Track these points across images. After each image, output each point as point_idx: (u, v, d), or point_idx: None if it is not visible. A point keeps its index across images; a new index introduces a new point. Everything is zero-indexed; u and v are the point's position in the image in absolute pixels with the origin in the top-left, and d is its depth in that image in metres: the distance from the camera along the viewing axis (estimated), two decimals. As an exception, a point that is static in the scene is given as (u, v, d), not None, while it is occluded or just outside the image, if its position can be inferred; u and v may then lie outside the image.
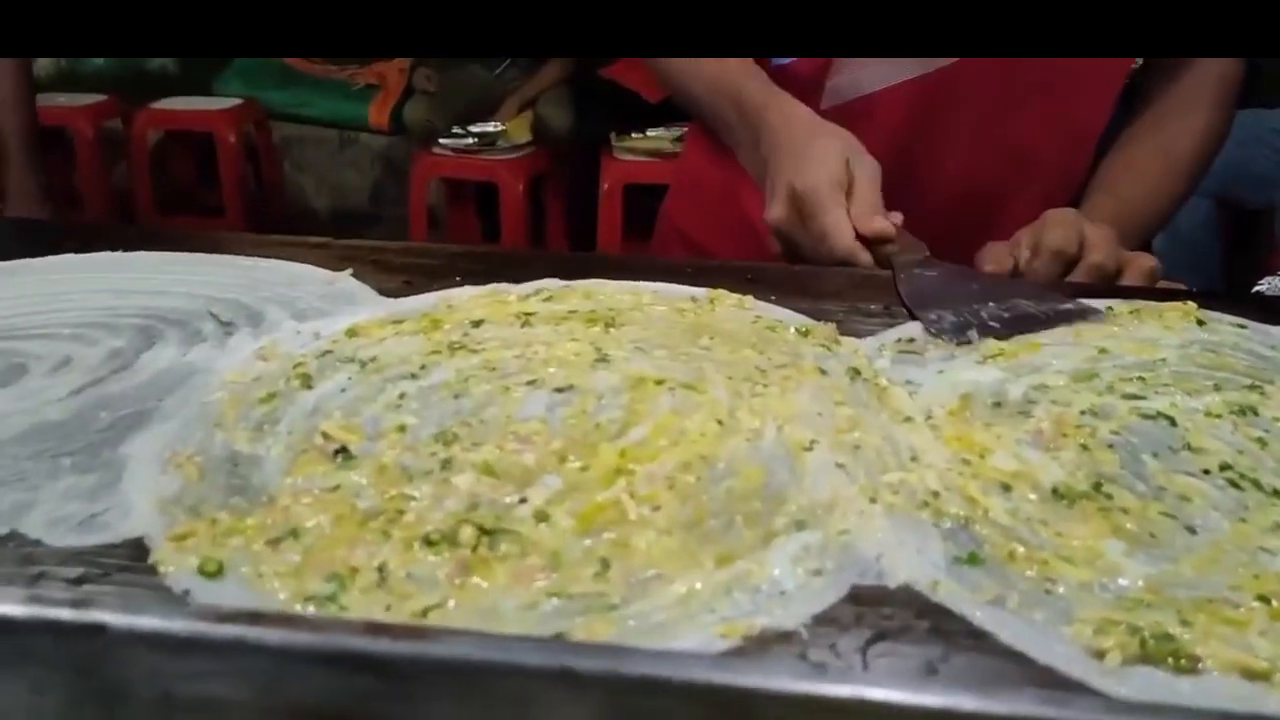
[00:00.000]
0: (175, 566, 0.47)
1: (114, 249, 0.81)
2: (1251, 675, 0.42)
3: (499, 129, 3.54)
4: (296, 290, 0.75)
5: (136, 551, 0.48)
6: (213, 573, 0.46)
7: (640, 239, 1.39)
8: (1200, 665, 0.43)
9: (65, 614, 0.32)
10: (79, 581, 0.46)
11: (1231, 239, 3.20)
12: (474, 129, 3.52)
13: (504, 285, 0.77)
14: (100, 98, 3.87)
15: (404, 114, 3.85)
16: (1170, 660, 0.43)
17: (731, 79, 0.98)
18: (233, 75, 4.13)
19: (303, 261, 0.81)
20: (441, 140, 3.51)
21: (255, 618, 0.32)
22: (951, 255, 0.91)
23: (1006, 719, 0.30)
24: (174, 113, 3.85)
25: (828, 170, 0.85)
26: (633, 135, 3.40)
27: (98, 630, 0.32)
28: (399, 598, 0.46)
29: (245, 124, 3.85)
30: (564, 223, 3.71)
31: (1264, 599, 0.46)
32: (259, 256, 0.80)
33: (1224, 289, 3.10)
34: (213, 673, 0.32)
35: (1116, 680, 0.42)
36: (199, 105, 3.88)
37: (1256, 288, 0.98)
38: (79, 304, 0.72)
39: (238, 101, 3.90)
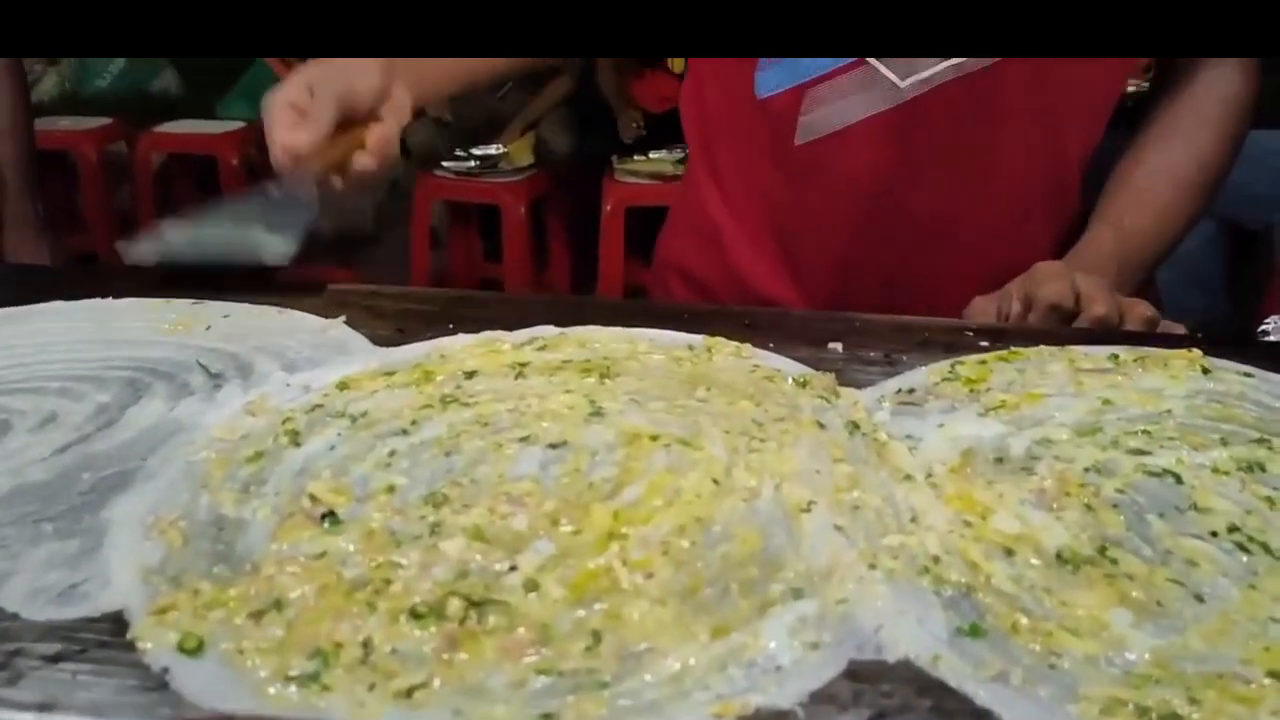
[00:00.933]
0: (154, 643, 0.45)
1: (104, 295, 0.80)
2: (1262, 759, 0.41)
3: (501, 151, 3.54)
4: (288, 339, 0.74)
5: (116, 626, 0.47)
6: (193, 649, 0.45)
7: (642, 261, 1.39)
8: (1210, 749, 0.41)
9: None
10: (55, 659, 0.44)
11: (1233, 260, 3.19)
12: (476, 151, 3.52)
13: (498, 334, 0.75)
14: (104, 121, 3.88)
15: (407, 136, 3.85)
16: (1180, 744, 0.41)
17: None
18: (236, 98, 4.14)
19: (295, 307, 0.80)
20: (444, 163, 3.51)
21: (226, 723, 0.30)
22: (934, 290, 0.90)
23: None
24: (177, 136, 3.85)
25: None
26: (634, 157, 3.40)
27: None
28: (384, 676, 0.44)
29: (248, 146, 3.84)
30: (566, 245, 3.70)
31: (1275, 675, 0.45)
32: (251, 303, 0.79)
33: (1228, 310, 3.08)
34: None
35: (1123, 765, 0.41)
36: (202, 128, 3.89)
37: (1262, 327, 0.97)
38: (67, 355, 0.71)
39: (240, 124, 3.90)
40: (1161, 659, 0.46)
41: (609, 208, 3.34)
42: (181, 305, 0.79)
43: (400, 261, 3.67)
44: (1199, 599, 0.50)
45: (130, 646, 0.45)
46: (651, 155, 3.38)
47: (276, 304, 0.80)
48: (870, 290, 0.96)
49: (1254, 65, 0.96)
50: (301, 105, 0.87)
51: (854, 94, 0.94)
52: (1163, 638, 0.48)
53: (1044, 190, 0.98)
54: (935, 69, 0.92)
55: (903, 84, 0.93)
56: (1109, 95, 0.97)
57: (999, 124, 0.94)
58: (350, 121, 0.88)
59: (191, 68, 4.50)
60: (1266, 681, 0.45)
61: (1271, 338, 0.96)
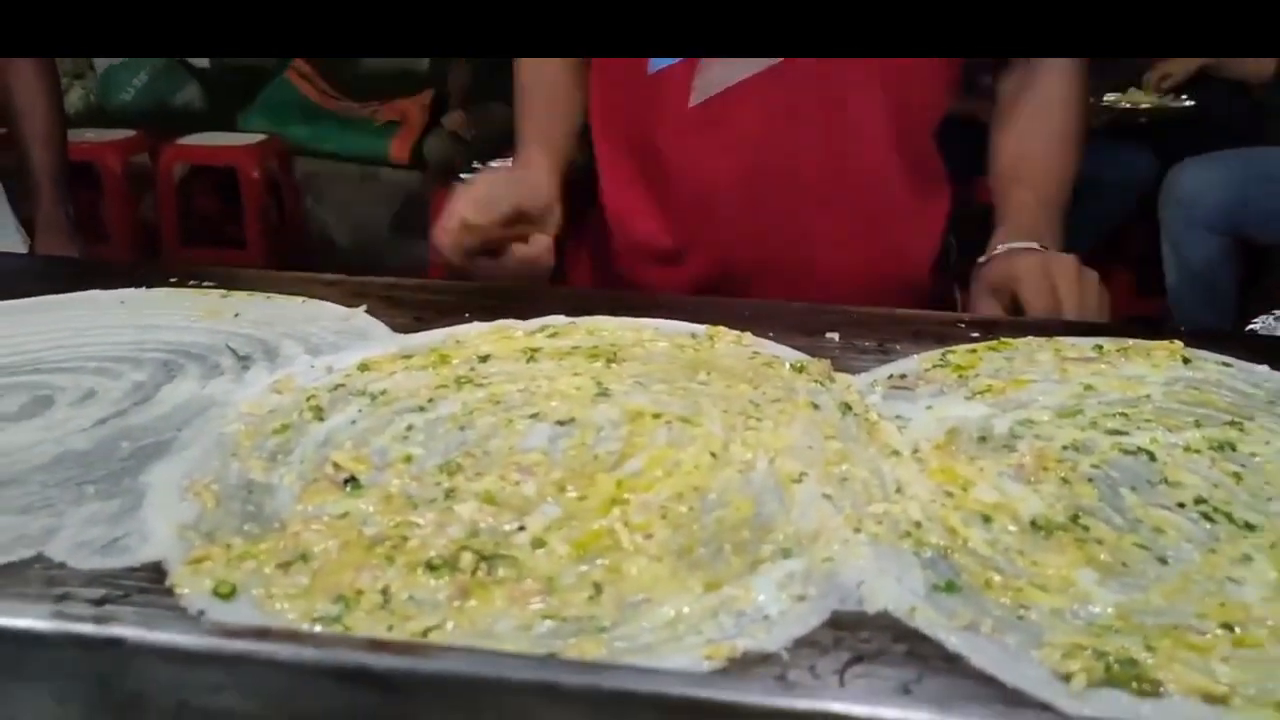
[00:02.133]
0: (191, 588, 0.49)
1: (137, 286, 0.84)
2: (1211, 699, 0.44)
3: (518, 164, 3.58)
4: (312, 326, 0.78)
5: (155, 574, 0.51)
6: (226, 594, 0.49)
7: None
8: (1162, 689, 0.45)
9: (87, 629, 0.35)
10: (101, 602, 0.48)
11: (1245, 275, 3.21)
12: (494, 164, 3.57)
13: (511, 321, 0.79)
14: (128, 133, 3.95)
15: (425, 149, 3.92)
16: (1134, 684, 0.45)
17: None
18: (257, 111, 4.21)
19: (319, 298, 0.84)
20: (462, 175, 3.56)
21: (263, 634, 0.34)
22: (807, 239, 1.03)
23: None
24: (199, 148, 3.92)
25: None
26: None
27: (116, 644, 0.34)
28: (401, 619, 0.48)
29: (268, 159, 3.92)
30: (588, 252, 3.74)
31: (1228, 626, 0.48)
32: (278, 293, 0.83)
33: (1240, 324, 3.10)
34: (224, 685, 0.35)
35: (1081, 702, 0.44)
36: (223, 141, 3.96)
37: (1250, 326, 1.00)
38: (103, 339, 0.75)
39: (261, 137, 3.97)
40: (1123, 612, 0.50)
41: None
42: (212, 295, 0.84)
43: (418, 272, 3.73)
44: (1162, 561, 0.54)
45: (169, 592, 0.49)
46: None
47: (302, 295, 0.84)
48: (750, 239, 1.05)
49: (1082, 67, 1.10)
50: (482, 196, 1.00)
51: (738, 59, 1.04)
52: (1126, 594, 0.51)
53: (900, 151, 1.05)
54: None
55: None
56: (948, 68, 1.06)
57: (854, 88, 1.02)
58: (516, 219, 1.01)
59: (214, 81, 4.59)
60: (1219, 632, 0.48)
61: (1260, 331, 0.99)
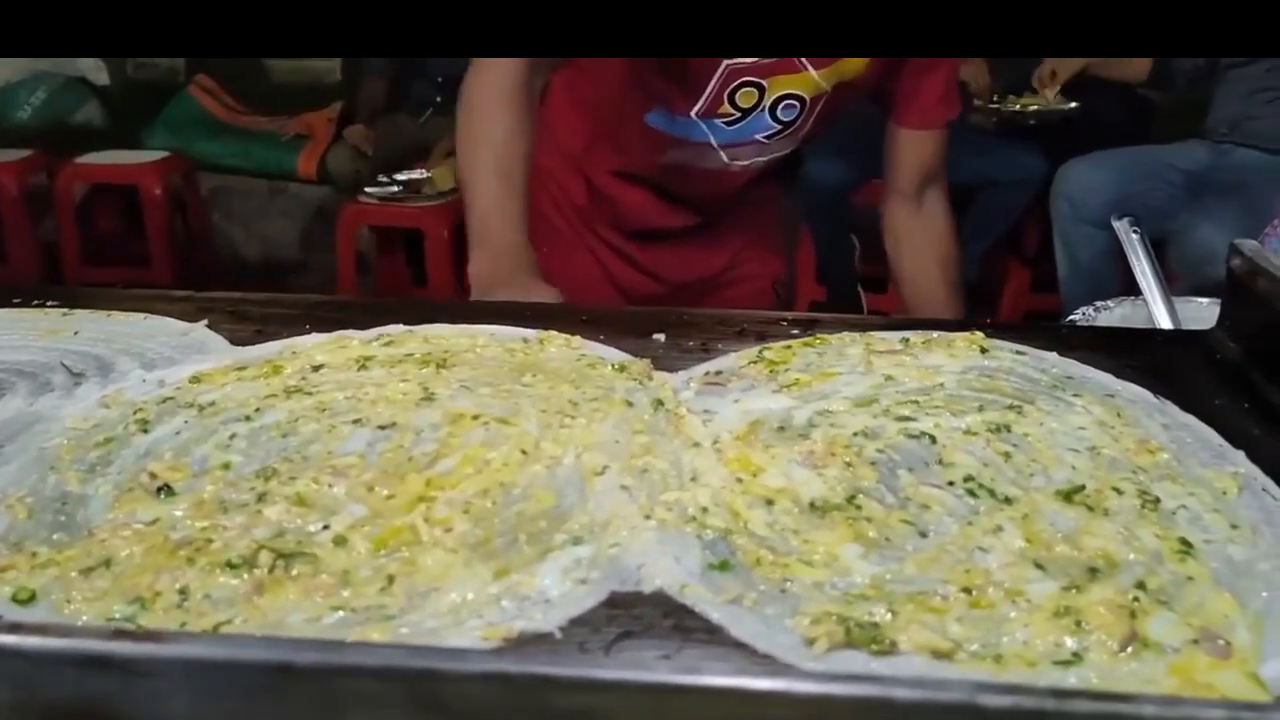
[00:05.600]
0: (-9, 596, 0.51)
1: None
2: (939, 654, 0.48)
3: (425, 176, 3.59)
4: (150, 341, 0.80)
5: (-41, 584, 0.52)
6: (25, 600, 0.51)
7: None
8: (898, 648, 0.49)
9: None
10: (-101, 612, 0.50)
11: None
12: (399, 176, 3.58)
13: (349, 332, 0.82)
14: (25, 153, 3.88)
15: (329, 163, 3.91)
16: (872, 645, 0.49)
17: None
18: (160, 127, 4.16)
19: (164, 314, 0.85)
20: (367, 189, 3.56)
21: (14, 627, 0.37)
22: None
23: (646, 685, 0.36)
24: (99, 167, 3.86)
25: None
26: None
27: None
28: (195, 616, 0.50)
29: (171, 176, 3.87)
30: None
31: (967, 590, 0.53)
32: (120, 310, 0.85)
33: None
34: (-21, 678, 0.37)
35: (823, 664, 0.48)
36: (124, 159, 3.90)
37: (1070, 317, 1.06)
38: (-62, 360, 0.76)
39: (163, 154, 3.92)
40: (877, 582, 0.54)
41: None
42: (54, 314, 0.85)
43: (328, 287, 3.71)
44: (923, 534, 0.58)
45: (-36, 601, 0.51)
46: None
47: (144, 311, 0.85)
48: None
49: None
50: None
51: (699, 157, 1.25)
52: (883, 565, 0.55)
53: None
54: (751, 161, 1.27)
55: (732, 166, 1.27)
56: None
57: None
58: None
59: (115, 98, 4.51)
60: (959, 595, 0.52)
61: (1079, 323, 1.05)
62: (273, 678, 0.37)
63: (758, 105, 1.20)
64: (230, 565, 0.53)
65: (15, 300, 0.87)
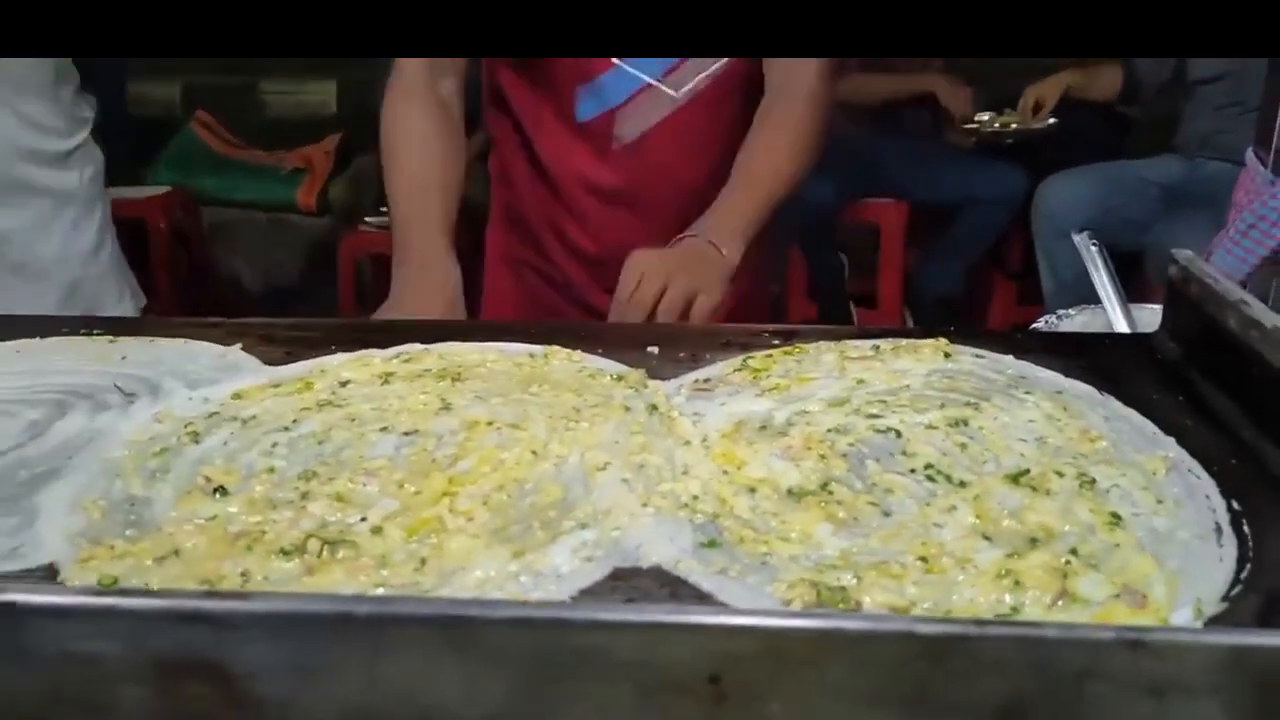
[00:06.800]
0: (79, 581, 0.59)
1: (31, 337, 0.93)
2: (897, 610, 0.56)
3: (422, 205, 3.67)
4: (191, 364, 0.88)
5: (49, 574, 0.61)
6: (109, 584, 0.59)
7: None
8: (862, 607, 0.57)
9: (-13, 597, 0.45)
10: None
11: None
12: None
13: (371, 351, 0.90)
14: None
15: (330, 195, 4.01)
16: (839, 604, 0.57)
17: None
18: (163, 164, 4.25)
19: (201, 339, 0.94)
20: (366, 219, 3.66)
21: (124, 591, 0.45)
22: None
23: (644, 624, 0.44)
24: (104, 202, 3.94)
25: None
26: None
27: (8, 607, 0.45)
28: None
29: (174, 210, 3.96)
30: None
31: (923, 559, 0.61)
32: (160, 337, 0.93)
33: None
34: (94, 635, 0.45)
35: (797, 621, 0.56)
36: (128, 194, 3.98)
37: (1034, 325, 1.15)
38: (3, 384, 0.84)
39: (166, 189, 4.02)
40: (845, 554, 0.62)
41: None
42: (100, 341, 0.93)
43: (329, 315, 3.80)
44: (886, 514, 0.66)
45: (60, 586, 0.59)
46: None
47: (184, 338, 0.94)
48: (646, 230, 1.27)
49: (828, 72, 1.32)
50: None
51: (647, 108, 1.29)
52: (851, 541, 0.63)
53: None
54: (694, 81, 1.31)
55: (676, 94, 1.31)
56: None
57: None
58: None
59: (115, 137, 4.60)
60: (917, 563, 0.61)
61: (1042, 330, 1.13)
62: (336, 626, 0.45)
63: None
64: (283, 552, 0.61)
65: (64, 329, 0.95)
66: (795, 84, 1.30)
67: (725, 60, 1.31)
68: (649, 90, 1.30)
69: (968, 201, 3.68)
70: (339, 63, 5.08)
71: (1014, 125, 3.82)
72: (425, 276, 1.16)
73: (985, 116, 3.82)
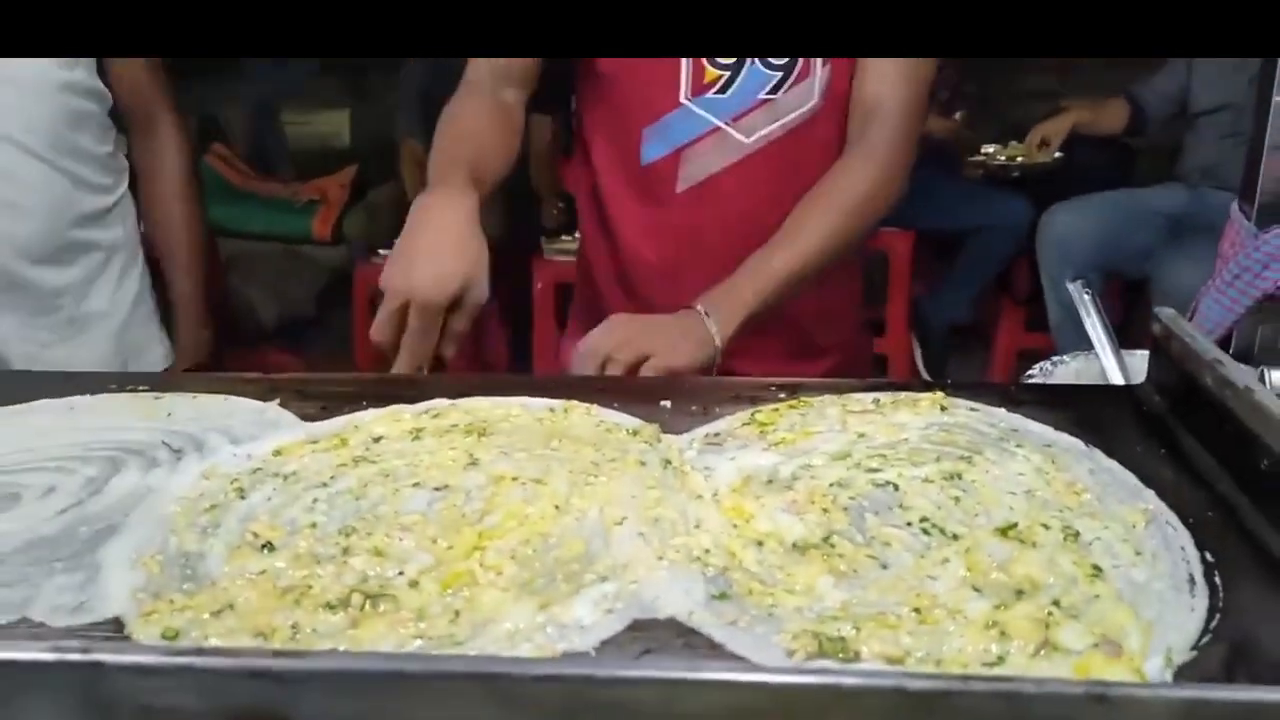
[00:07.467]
0: (145, 635, 0.65)
1: (82, 394, 0.99)
2: (892, 660, 0.62)
3: (436, 237, 3.75)
4: (232, 420, 0.94)
5: (116, 627, 0.66)
6: (171, 637, 0.65)
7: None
8: (860, 656, 0.62)
9: (75, 656, 0.51)
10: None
11: (1118, 306, 3.50)
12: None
13: (401, 406, 0.96)
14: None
15: (345, 226, 4.08)
16: (840, 654, 0.62)
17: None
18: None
19: (238, 395, 1.00)
20: (380, 250, 3.73)
21: (200, 651, 0.50)
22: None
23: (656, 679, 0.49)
24: (124, 236, 4.02)
25: None
26: (562, 238, 3.66)
27: (97, 665, 0.50)
28: (307, 646, 0.64)
29: (193, 243, 4.03)
30: (501, 323, 3.92)
31: (917, 610, 0.66)
32: (203, 393, 0.99)
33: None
34: (172, 689, 0.50)
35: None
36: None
37: (1028, 374, 1.20)
38: (58, 441, 0.90)
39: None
40: (845, 606, 0.67)
41: (540, 285, 3.58)
42: (145, 398, 0.99)
43: (344, 345, 3.87)
44: (884, 567, 0.72)
45: (128, 639, 0.65)
46: (578, 235, 3.63)
47: (224, 393, 1.00)
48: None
49: (911, 131, 1.29)
50: (431, 274, 1.10)
51: (715, 151, 1.29)
52: (850, 593, 0.69)
53: None
54: (767, 129, 1.29)
55: (747, 140, 1.29)
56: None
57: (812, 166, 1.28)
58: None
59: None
60: (911, 614, 0.66)
61: (1036, 378, 1.18)
62: (390, 681, 0.50)
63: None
64: (329, 606, 0.67)
65: (111, 386, 1.01)
66: (873, 137, 1.26)
67: (801, 110, 1.27)
68: (717, 134, 1.28)
69: (974, 230, 3.74)
70: (353, 94, 5.18)
71: (1020, 159, 3.88)
72: (445, 209, 1.12)
73: (991, 149, 3.89)
